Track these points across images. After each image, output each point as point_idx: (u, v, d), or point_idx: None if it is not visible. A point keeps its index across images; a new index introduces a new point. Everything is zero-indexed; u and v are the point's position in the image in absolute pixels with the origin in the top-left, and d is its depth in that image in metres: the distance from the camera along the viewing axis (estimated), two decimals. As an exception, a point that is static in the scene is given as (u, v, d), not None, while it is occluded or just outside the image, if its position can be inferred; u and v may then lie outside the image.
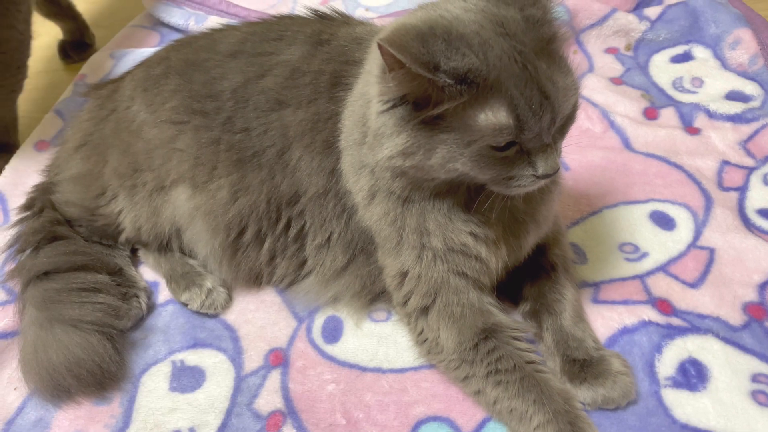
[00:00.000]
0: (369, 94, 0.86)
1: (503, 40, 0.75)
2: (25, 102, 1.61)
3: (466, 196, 0.88)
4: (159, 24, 1.89)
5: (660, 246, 1.14)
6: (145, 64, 1.18)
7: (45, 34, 1.91)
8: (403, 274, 0.95)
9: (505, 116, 0.74)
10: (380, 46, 0.72)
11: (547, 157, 0.78)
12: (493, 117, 0.74)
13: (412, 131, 0.78)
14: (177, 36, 1.75)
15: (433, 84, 0.73)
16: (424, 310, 0.95)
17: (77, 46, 1.89)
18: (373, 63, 0.86)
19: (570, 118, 0.81)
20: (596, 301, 1.06)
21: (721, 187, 1.24)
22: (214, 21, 1.75)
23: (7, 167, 1.42)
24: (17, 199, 1.28)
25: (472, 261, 0.91)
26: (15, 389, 1.01)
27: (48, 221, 1.15)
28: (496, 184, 0.81)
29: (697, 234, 1.15)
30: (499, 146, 0.76)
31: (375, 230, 0.96)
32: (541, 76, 0.75)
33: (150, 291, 1.15)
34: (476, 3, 0.79)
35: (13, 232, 1.17)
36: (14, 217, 1.21)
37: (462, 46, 0.73)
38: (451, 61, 0.72)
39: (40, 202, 1.19)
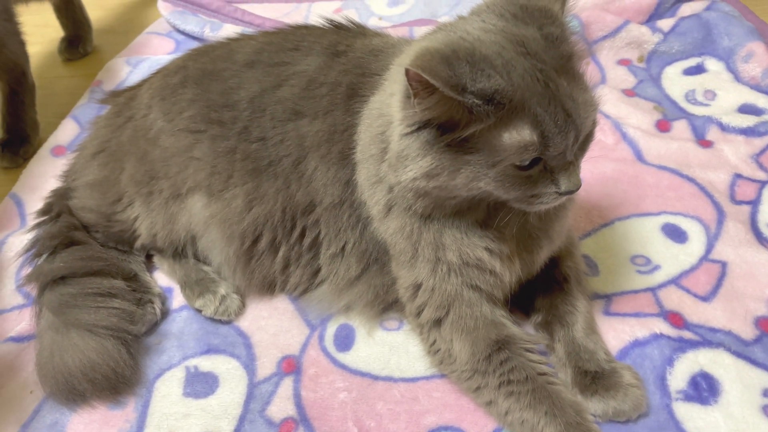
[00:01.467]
0: (390, 115, 0.86)
1: (524, 59, 0.75)
2: (41, 107, 1.63)
3: (485, 213, 0.89)
4: (174, 31, 1.91)
5: (672, 259, 1.14)
6: (163, 72, 1.19)
7: (58, 40, 1.94)
8: (417, 286, 0.95)
9: (529, 133, 0.75)
10: (408, 72, 0.72)
11: (570, 174, 0.79)
12: (518, 135, 0.75)
13: (437, 154, 0.78)
14: (192, 43, 1.77)
15: (461, 106, 0.73)
16: (437, 322, 0.95)
17: (76, 40, 1.92)
18: (395, 86, 0.86)
19: (590, 135, 0.82)
20: (608, 313, 1.06)
21: (734, 200, 1.24)
22: (229, 29, 1.77)
23: (24, 171, 1.43)
24: (34, 203, 1.29)
25: (487, 275, 0.92)
26: (31, 392, 1.02)
27: (65, 226, 1.16)
28: (519, 202, 0.82)
29: (709, 247, 1.15)
30: (523, 165, 0.77)
31: (390, 243, 0.96)
32: (562, 94, 0.75)
33: (164, 297, 1.16)
34: (495, 23, 0.80)
35: (30, 236, 1.18)
36: (31, 221, 1.22)
37: (486, 67, 0.73)
38: (478, 82, 0.72)
39: (57, 207, 1.20)
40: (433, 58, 0.72)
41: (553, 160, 0.78)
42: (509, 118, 0.75)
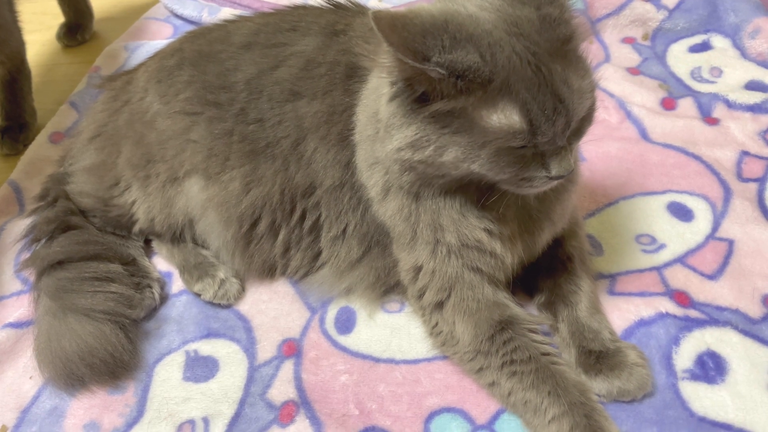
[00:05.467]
0: (381, 88, 0.85)
1: (516, 40, 0.73)
2: (39, 94, 1.62)
3: (477, 194, 0.87)
4: (172, 16, 1.90)
5: (678, 237, 1.12)
6: (159, 55, 1.18)
7: (56, 27, 1.92)
8: (418, 269, 0.94)
9: (518, 120, 0.73)
10: (372, 18, 0.70)
11: (561, 159, 0.76)
12: (505, 119, 0.73)
13: (421, 124, 0.77)
14: (190, 28, 1.74)
15: (424, 74, 0.72)
16: (439, 305, 0.94)
17: (76, 27, 1.91)
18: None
19: (586, 120, 0.79)
20: (612, 293, 1.04)
21: (741, 178, 1.22)
22: (227, 13, 1.74)
23: (22, 158, 1.43)
24: (33, 190, 1.28)
25: (487, 257, 0.91)
26: (30, 378, 1.02)
27: (62, 211, 1.15)
28: (509, 184, 0.81)
29: (716, 225, 1.13)
30: (515, 146, 0.75)
31: (389, 225, 0.95)
32: (555, 78, 0.73)
33: (163, 281, 1.15)
34: (492, 1, 0.77)
35: (28, 222, 1.17)
36: (29, 207, 1.21)
37: (468, 44, 0.71)
38: (448, 54, 0.70)
39: (54, 192, 1.19)
40: (413, 18, 0.71)
41: (544, 145, 0.76)
42: (495, 100, 0.73)
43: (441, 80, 0.72)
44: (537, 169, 0.77)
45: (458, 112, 0.75)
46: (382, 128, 0.84)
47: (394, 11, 0.72)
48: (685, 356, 0.95)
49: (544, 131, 0.73)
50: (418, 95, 0.76)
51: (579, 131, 0.79)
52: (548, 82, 0.73)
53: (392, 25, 0.70)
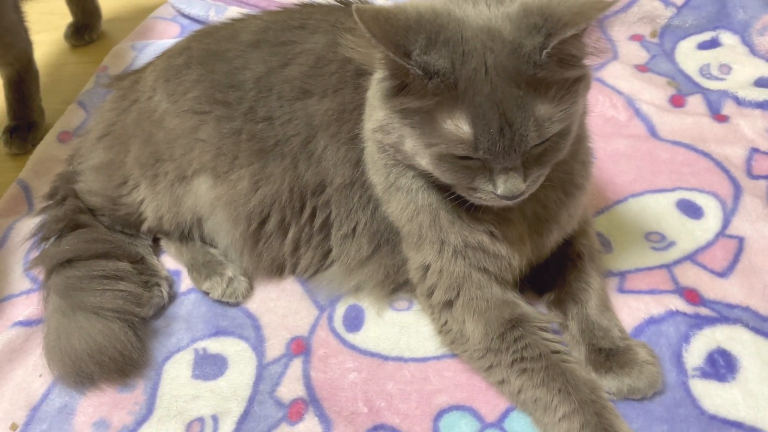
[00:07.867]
0: (378, 73, 0.85)
1: (489, 54, 0.72)
2: (47, 94, 1.63)
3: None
4: (180, 15, 1.90)
5: (687, 235, 1.12)
6: (167, 54, 1.18)
7: (64, 27, 1.93)
8: (426, 268, 0.94)
9: (466, 130, 0.73)
10: (355, 11, 0.70)
11: (507, 179, 0.76)
12: (454, 127, 0.74)
13: (389, 111, 0.79)
14: (197, 27, 1.75)
15: (405, 69, 0.72)
16: (449, 303, 0.94)
17: (84, 27, 1.92)
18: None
19: (553, 149, 0.78)
20: (622, 290, 1.04)
21: (750, 175, 1.22)
22: (234, 11, 1.75)
23: (31, 157, 1.43)
24: (41, 189, 1.28)
25: (492, 258, 0.91)
26: (40, 376, 1.02)
27: (70, 209, 1.16)
28: (460, 190, 0.82)
29: (726, 223, 1.13)
30: (459, 155, 0.76)
31: (397, 224, 0.96)
32: (509, 101, 0.72)
33: (172, 280, 1.15)
34: (493, 11, 0.76)
35: (36, 220, 1.17)
36: (38, 206, 1.21)
37: (444, 48, 0.72)
38: (426, 55, 0.72)
39: (62, 190, 1.19)
40: (396, 15, 0.72)
41: (491, 162, 0.76)
42: (452, 107, 0.73)
43: (416, 78, 0.73)
44: (484, 182, 0.78)
45: (414, 107, 0.76)
46: (368, 106, 0.86)
47: (378, 6, 0.74)
48: (695, 354, 0.94)
49: (487, 148, 0.73)
50: (396, 85, 0.77)
51: (541, 158, 0.78)
52: (502, 102, 0.72)
53: (375, 18, 0.71)
